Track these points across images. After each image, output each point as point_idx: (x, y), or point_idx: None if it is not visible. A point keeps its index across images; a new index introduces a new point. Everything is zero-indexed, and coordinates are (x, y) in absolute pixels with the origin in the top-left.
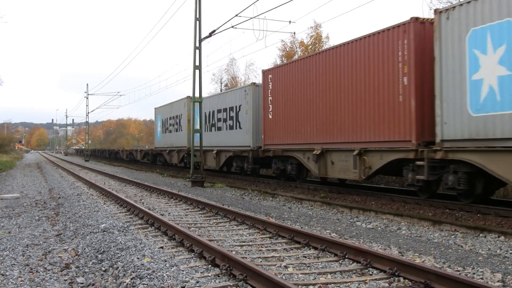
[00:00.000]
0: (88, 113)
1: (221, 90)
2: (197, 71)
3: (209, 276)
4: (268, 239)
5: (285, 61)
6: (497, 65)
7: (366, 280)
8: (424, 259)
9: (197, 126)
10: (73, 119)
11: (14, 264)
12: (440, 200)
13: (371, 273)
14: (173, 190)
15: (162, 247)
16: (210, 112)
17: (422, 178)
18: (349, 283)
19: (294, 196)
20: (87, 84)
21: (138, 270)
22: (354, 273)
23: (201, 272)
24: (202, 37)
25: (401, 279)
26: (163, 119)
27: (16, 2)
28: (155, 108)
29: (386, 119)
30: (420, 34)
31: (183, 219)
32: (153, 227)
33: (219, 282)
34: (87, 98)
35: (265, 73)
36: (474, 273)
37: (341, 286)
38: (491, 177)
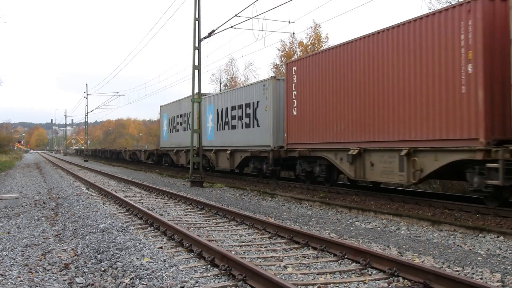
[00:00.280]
0: (88, 113)
1: (220, 90)
2: (196, 71)
3: (208, 276)
4: (267, 239)
5: (313, 51)
6: None
7: (365, 280)
8: (423, 259)
9: (208, 124)
10: (72, 119)
11: (13, 264)
12: (439, 200)
13: (370, 273)
14: (172, 190)
15: (161, 247)
16: (223, 109)
17: (494, 183)
18: (348, 283)
19: (293, 196)
20: (86, 84)
21: (138, 270)
22: (353, 273)
23: (200, 272)
24: (202, 37)
25: (400, 279)
26: (170, 117)
27: (16, 2)
28: (160, 106)
29: (443, 114)
30: (489, 13)
31: (182, 219)
32: (152, 227)
33: (218, 282)
34: (86, 98)
35: (288, 65)
36: (473, 273)
37: (340, 286)
38: None
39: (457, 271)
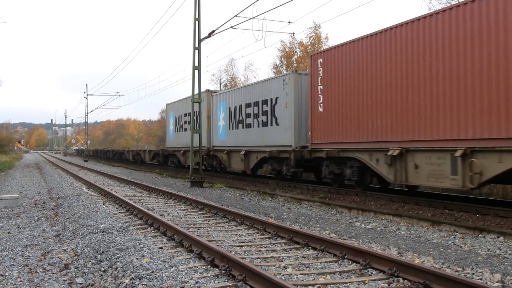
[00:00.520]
0: (88, 113)
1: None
2: (196, 72)
3: (208, 277)
4: (267, 239)
5: (342, 42)
6: None
7: (365, 280)
8: (423, 259)
9: (220, 123)
10: (72, 120)
11: (13, 265)
12: (439, 201)
13: (370, 273)
14: (172, 191)
15: (161, 248)
16: (236, 106)
17: None
18: (348, 284)
19: (293, 197)
20: (86, 85)
21: (137, 271)
22: (353, 273)
23: (200, 273)
24: (202, 37)
25: (400, 279)
26: (177, 116)
27: (16, 2)
28: (166, 105)
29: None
30: None
31: (182, 220)
32: (152, 227)
33: (218, 282)
34: (86, 98)
35: (313, 57)
36: (473, 274)
37: (340, 286)
38: None
39: (457, 271)
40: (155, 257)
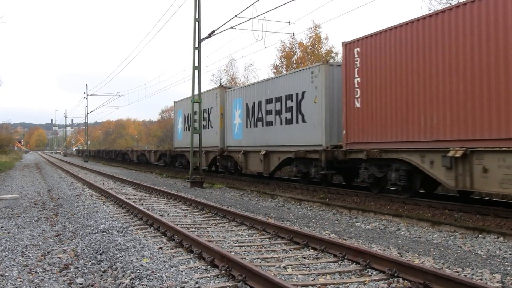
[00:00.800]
0: (88, 113)
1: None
2: (196, 72)
3: (208, 277)
4: (267, 239)
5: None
6: None
7: (365, 281)
8: (423, 259)
9: (235, 121)
10: (72, 120)
11: (13, 265)
12: (439, 201)
13: (370, 273)
14: (172, 191)
15: (161, 248)
16: (255, 103)
17: None
18: (348, 284)
19: (293, 197)
20: (86, 85)
21: (137, 271)
22: (353, 273)
23: (200, 273)
24: (202, 37)
25: (400, 280)
26: (186, 114)
27: (16, 2)
28: (174, 102)
29: None
30: None
31: (182, 220)
32: (152, 227)
33: (218, 282)
34: (86, 98)
35: (348, 46)
36: (473, 274)
37: (340, 286)
38: None
39: (457, 271)
40: (155, 258)
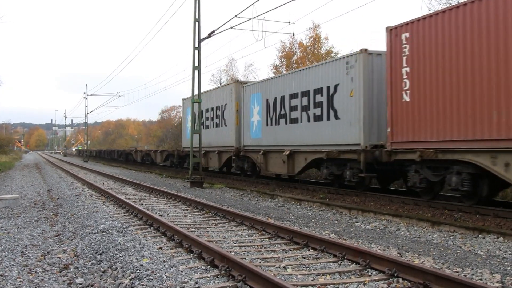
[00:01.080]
0: (87, 113)
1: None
2: (196, 72)
3: (208, 277)
4: (267, 239)
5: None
6: None
7: (365, 281)
8: (423, 260)
9: (253, 118)
10: (72, 120)
11: (13, 265)
12: (439, 201)
13: (370, 274)
14: (172, 191)
15: (161, 248)
16: (276, 98)
17: None
18: (348, 284)
19: (293, 197)
20: (86, 85)
21: (137, 271)
22: (353, 274)
23: (200, 273)
24: (201, 37)
25: (400, 280)
26: (196, 111)
27: (16, 2)
28: (183, 100)
29: None
30: None
31: (182, 220)
32: (152, 227)
33: (218, 282)
34: (86, 98)
35: (393, 31)
36: (473, 274)
37: (340, 287)
38: None
39: (457, 271)
40: (155, 258)
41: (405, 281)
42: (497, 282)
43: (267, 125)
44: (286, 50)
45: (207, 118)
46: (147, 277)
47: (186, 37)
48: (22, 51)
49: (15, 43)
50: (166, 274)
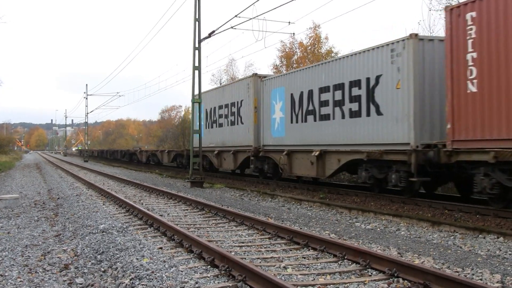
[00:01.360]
0: (87, 113)
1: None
2: (196, 72)
3: (208, 277)
4: (267, 239)
5: None
6: None
7: (365, 281)
8: (423, 260)
9: (275, 115)
10: (72, 120)
11: (13, 265)
12: (439, 201)
13: (370, 274)
14: (172, 191)
15: (161, 248)
16: (302, 93)
17: None
18: (348, 284)
19: (293, 197)
20: (86, 85)
21: (137, 271)
22: (353, 273)
23: (200, 273)
24: (202, 37)
25: (400, 280)
26: (208, 109)
27: (16, 2)
28: (193, 96)
29: None
30: None
31: (182, 220)
32: (152, 227)
33: (218, 282)
34: (86, 98)
35: (454, 11)
36: (473, 274)
37: (340, 286)
38: None
39: (457, 272)
40: (155, 257)
41: (405, 281)
42: (497, 282)
43: (291, 122)
44: (286, 50)
45: (220, 116)
46: (147, 277)
47: (186, 37)
48: (22, 51)
49: (15, 43)
50: (166, 274)
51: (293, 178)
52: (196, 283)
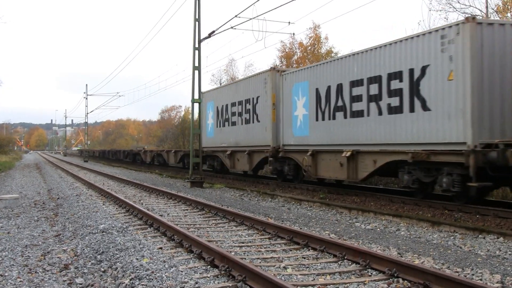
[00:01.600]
0: (87, 113)
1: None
2: (196, 72)
3: (208, 277)
4: (267, 239)
5: None
6: None
7: (365, 281)
8: (423, 260)
9: (296, 113)
10: (72, 120)
11: (13, 265)
12: (439, 201)
13: (370, 274)
14: (172, 191)
15: (161, 248)
16: (329, 87)
17: None
18: (348, 284)
19: (293, 197)
20: (86, 85)
21: (137, 271)
22: (353, 274)
23: (200, 273)
24: (202, 37)
25: (400, 280)
26: (219, 106)
27: (15, 2)
28: (202, 93)
29: None
30: None
31: (182, 220)
32: (152, 227)
33: (218, 282)
34: (86, 98)
35: None
36: (473, 274)
37: (340, 287)
38: None
39: (457, 272)
40: (155, 258)
41: (405, 281)
42: (497, 282)
43: (317, 120)
44: (286, 50)
45: (233, 114)
46: (147, 277)
47: (186, 37)
48: (22, 51)
49: (15, 43)
50: (166, 274)
51: (314, 181)
52: (196, 283)
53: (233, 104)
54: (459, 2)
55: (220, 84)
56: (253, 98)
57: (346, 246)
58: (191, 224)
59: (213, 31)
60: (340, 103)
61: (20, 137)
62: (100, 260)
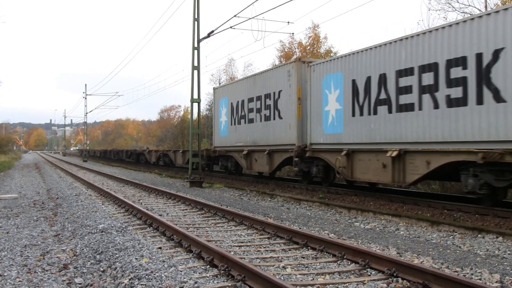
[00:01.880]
0: (87, 113)
1: None
2: (195, 72)
3: (207, 277)
4: (267, 239)
5: None
6: None
7: (364, 280)
8: (423, 259)
9: (328, 108)
10: (71, 120)
11: (12, 265)
12: (439, 201)
13: (369, 273)
14: (171, 191)
15: (160, 248)
16: (369, 78)
17: None
18: (347, 284)
19: (292, 197)
20: (86, 85)
21: (137, 271)
22: (352, 273)
23: (199, 273)
24: (201, 37)
25: (400, 279)
26: (234, 102)
27: (15, 2)
28: (215, 89)
29: None
30: None
31: (182, 220)
32: (151, 227)
33: (218, 282)
34: (85, 98)
35: None
36: (472, 274)
37: (339, 286)
38: None
39: (456, 271)
40: (154, 257)
41: (405, 280)
42: (496, 282)
43: (353, 115)
44: (286, 50)
45: (250, 110)
46: (146, 276)
47: (185, 37)
48: (22, 51)
49: (15, 43)
50: (165, 273)
51: (343, 183)
52: (195, 283)
53: (250, 100)
54: (458, 2)
55: (219, 84)
56: (274, 93)
57: (346, 246)
58: (190, 224)
59: (212, 31)
60: (383, 96)
61: (19, 137)
62: (99, 260)
